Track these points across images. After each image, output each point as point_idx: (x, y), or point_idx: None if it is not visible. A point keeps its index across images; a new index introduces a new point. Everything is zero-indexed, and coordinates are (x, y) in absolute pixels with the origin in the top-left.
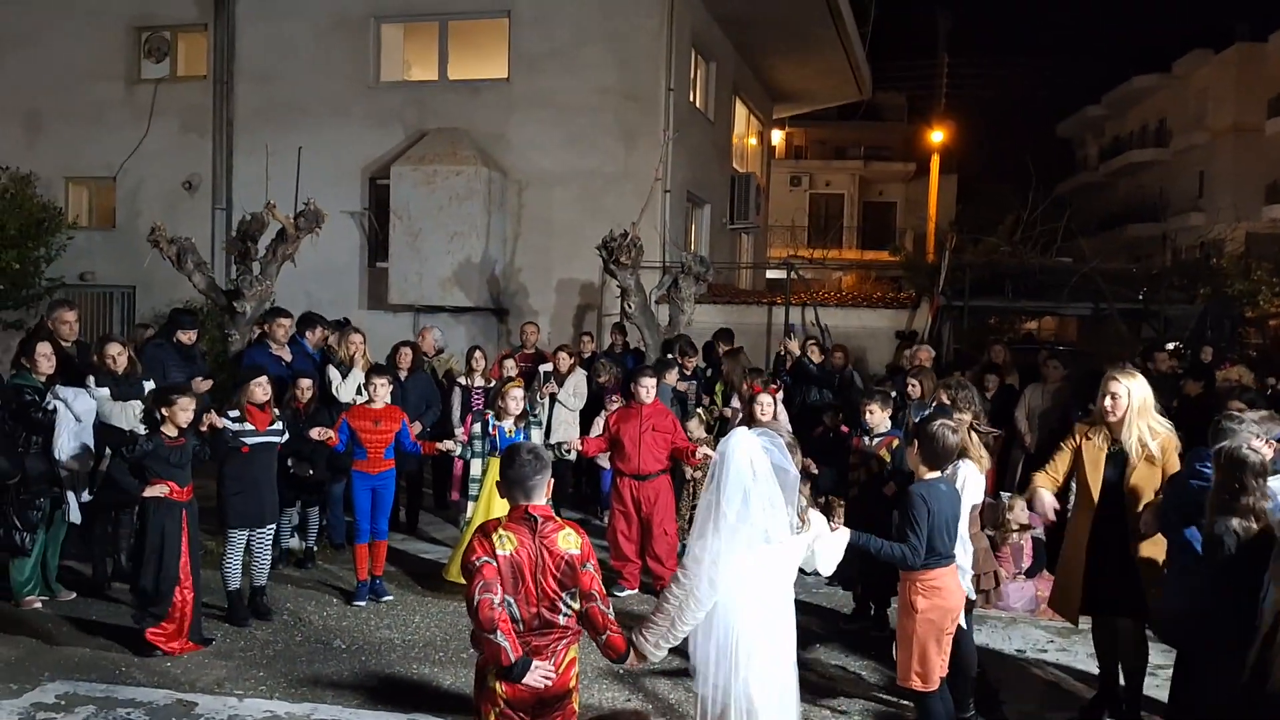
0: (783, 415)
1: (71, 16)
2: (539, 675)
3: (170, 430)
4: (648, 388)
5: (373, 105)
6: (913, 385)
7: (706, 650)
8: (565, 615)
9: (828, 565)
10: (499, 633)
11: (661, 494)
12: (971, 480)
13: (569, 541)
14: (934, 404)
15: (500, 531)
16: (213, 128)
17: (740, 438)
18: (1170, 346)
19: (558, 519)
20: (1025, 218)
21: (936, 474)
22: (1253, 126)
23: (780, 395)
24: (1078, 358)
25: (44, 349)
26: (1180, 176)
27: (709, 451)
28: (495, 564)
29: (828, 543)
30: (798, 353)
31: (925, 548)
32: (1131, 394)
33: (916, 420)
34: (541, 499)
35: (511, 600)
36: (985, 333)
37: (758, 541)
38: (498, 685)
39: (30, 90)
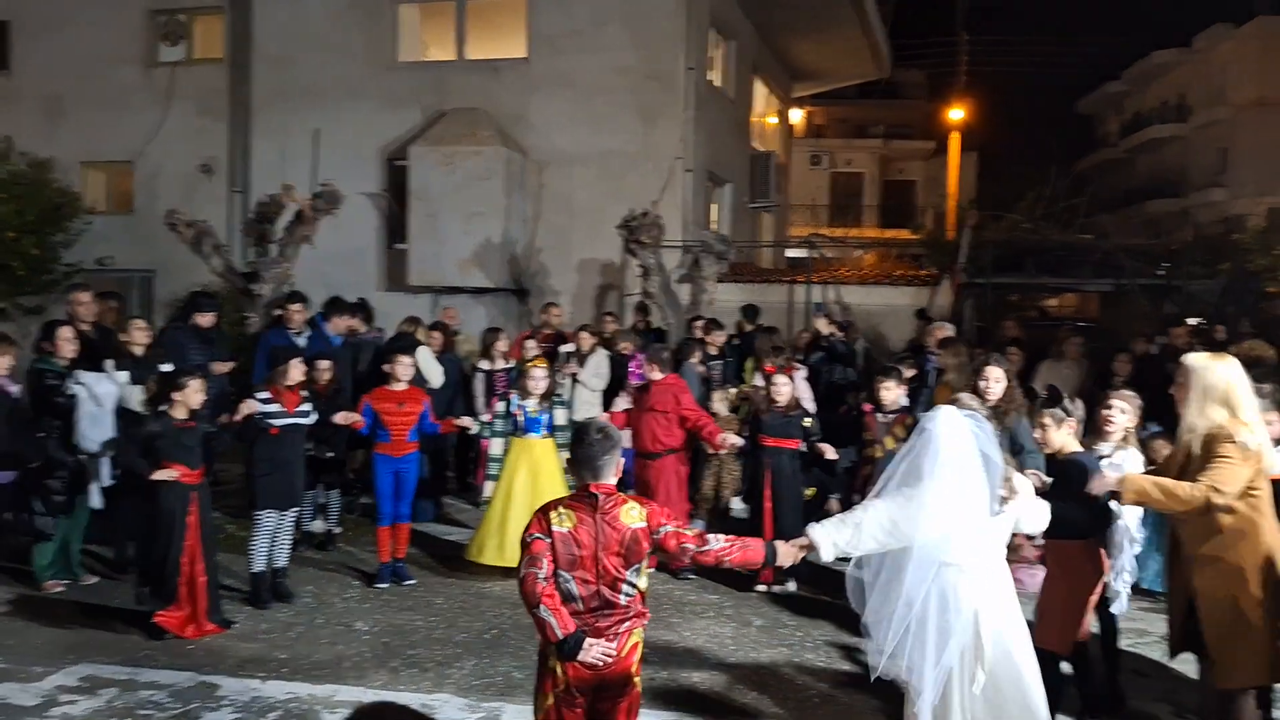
0: (806, 393)
1: (90, 2)
2: (597, 652)
3: (180, 412)
4: (645, 368)
5: (390, 86)
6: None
7: (924, 629)
8: (628, 595)
9: (1034, 527)
10: (543, 607)
11: (664, 475)
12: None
13: (631, 516)
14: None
15: (560, 509)
16: (229, 111)
17: (947, 417)
18: (1192, 322)
19: (622, 494)
20: (1046, 194)
21: (1079, 449)
22: (1275, 101)
23: (804, 374)
24: (1099, 334)
25: (65, 332)
26: (1201, 152)
27: (734, 440)
28: (548, 540)
29: (1032, 510)
30: (826, 330)
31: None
32: (1205, 375)
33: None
34: (610, 478)
35: (570, 577)
36: (1007, 310)
37: (965, 524)
38: (558, 666)
39: (49, 76)
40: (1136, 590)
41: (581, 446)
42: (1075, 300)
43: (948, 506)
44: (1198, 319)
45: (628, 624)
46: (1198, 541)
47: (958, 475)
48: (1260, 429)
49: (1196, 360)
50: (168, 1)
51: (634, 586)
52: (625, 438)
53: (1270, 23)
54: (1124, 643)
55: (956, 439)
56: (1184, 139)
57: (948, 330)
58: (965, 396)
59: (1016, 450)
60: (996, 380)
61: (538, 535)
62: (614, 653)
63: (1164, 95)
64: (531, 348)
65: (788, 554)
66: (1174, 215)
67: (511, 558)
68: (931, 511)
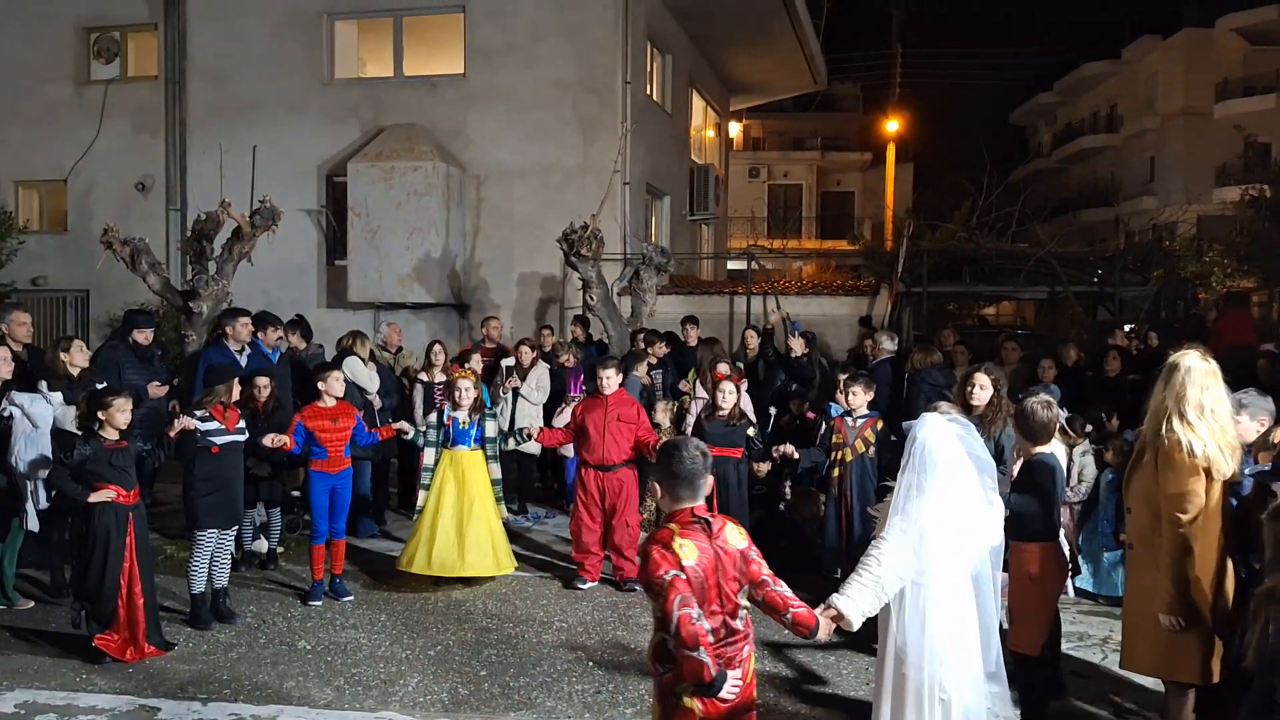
0: (746, 403)
1: (19, 18)
2: (731, 686)
3: (110, 433)
4: (607, 377)
5: (328, 102)
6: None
7: (912, 631)
8: (741, 619)
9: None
10: (703, 649)
11: (625, 485)
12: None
13: (735, 537)
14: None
15: (677, 540)
16: (165, 128)
17: (934, 423)
18: (1129, 328)
19: (718, 515)
20: (980, 204)
21: (1046, 450)
22: (1201, 110)
23: (745, 385)
24: (1035, 340)
25: (1, 353)
26: (1131, 161)
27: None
28: (685, 576)
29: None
30: (800, 351)
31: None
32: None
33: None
34: (703, 499)
35: (702, 613)
36: (945, 318)
37: (957, 527)
38: (695, 703)
39: None
40: (1080, 593)
41: (682, 464)
42: (1012, 308)
43: (944, 522)
44: (1131, 325)
45: (747, 648)
46: (1134, 533)
47: (951, 483)
48: (1215, 435)
49: (1177, 359)
50: (100, 19)
51: (743, 609)
52: (569, 450)
53: (1196, 34)
54: (1065, 646)
55: (945, 445)
56: (1115, 149)
57: (887, 341)
58: (944, 404)
59: (1000, 459)
60: (982, 387)
61: (675, 572)
62: (740, 681)
63: (1095, 106)
64: (476, 362)
65: (825, 628)
66: (1107, 224)
67: (439, 566)
68: (930, 533)
